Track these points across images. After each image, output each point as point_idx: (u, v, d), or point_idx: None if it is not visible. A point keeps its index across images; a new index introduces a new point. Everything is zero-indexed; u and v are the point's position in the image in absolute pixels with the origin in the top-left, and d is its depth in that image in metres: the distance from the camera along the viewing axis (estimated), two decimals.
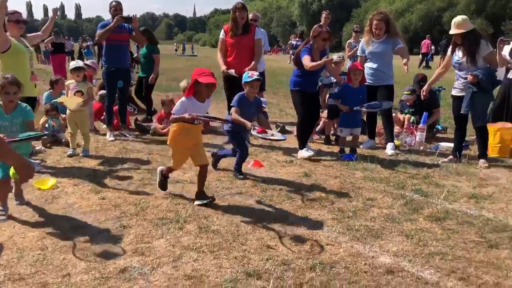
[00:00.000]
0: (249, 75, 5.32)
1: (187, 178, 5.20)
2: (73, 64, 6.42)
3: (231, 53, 6.70)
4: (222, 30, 6.88)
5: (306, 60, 5.95)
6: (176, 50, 55.36)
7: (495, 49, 6.41)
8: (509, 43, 7.30)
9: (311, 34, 6.28)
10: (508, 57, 7.07)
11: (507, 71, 7.20)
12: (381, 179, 5.29)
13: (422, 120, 7.09)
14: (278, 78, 17.13)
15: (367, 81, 6.67)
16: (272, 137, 4.87)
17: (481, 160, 5.95)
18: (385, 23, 6.59)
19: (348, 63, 10.38)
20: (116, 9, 7.11)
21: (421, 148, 6.89)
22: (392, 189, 4.97)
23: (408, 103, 7.76)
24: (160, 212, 4.18)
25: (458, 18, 5.90)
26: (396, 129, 7.55)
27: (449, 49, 6.18)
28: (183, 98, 4.37)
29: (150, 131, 7.68)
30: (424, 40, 29.53)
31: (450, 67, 6.20)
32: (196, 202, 4.38)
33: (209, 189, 4.80)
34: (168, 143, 4.63)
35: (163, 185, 4.70)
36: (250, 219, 4.02)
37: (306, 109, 6.24)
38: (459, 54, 5.94)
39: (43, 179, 4.84)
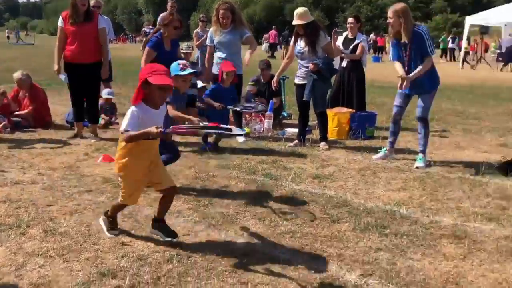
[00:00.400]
0: (180, 66, 4.54)
1: (27, 179, 4.76)
2: None
3: (73, 42, 6.26)
4: (61, 17, 6.39)
5: (143, 57, 5.81)
6: (8, 37, 50.31)
7: (331, 40, 6.97)
8: (341, 34, 8.00)
9: (160, 22, 6.13)
10: (341, 47, 7.75)
11: (341, 60, 7.89)
12: (234, 166, 5.44)
13: (269, 108, 7.43)
14: (126, 67, 16.54)
15: (215, 71, 6.76)
16: (228, 132, 4.23)
17: (322, 143, 6.45)
18: (231, 12, 6.73)
19: (197, 53, 10.44)
20: None
21: (269, 134, 7.23)
22: (245, 175, 5.14)
23: (252, 93, 8.06)
24: None
25: (300, 10, 6.27)
26: (246, 117, 7.81)
27: (292, 39, 6.55)
28: (132, 108, 3.20)
29: None
30: (271, 31, 30.97)
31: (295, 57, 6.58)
32: (153, 231, 3.54)
33: (53, 188, 4.47)
34: (117, 171, 3.43)
35: (113, 227, 3.58)
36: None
37: None
38: (301, 44, 6.33)
39: None
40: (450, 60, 30.10)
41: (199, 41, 10.21)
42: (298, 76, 6.48)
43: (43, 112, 7.43)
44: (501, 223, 3.93)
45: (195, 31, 11.12)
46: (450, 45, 30.61)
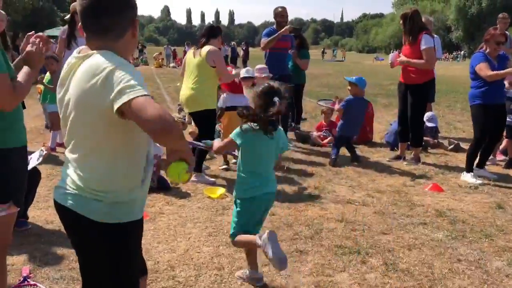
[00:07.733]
0: None
1: (358, 199, 4.73)
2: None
3: None
4: None
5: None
6: (323, 54, 55.32)
7: None
8: None
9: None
10: None
11: None
12: None
13: None
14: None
15: None
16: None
17: None
18: None
19: None
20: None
21: None
22: None
23: None
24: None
25: None
26: None
27: None
28: None
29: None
30: None
31: None
32: None
33: (385, 214, 4.28)
34: None
35: None
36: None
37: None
38: None
39: (212, 188, 4.81)
40: None
41: None
42: None
43: (367, 127, 7.44)
44: None
45: None
46: None
